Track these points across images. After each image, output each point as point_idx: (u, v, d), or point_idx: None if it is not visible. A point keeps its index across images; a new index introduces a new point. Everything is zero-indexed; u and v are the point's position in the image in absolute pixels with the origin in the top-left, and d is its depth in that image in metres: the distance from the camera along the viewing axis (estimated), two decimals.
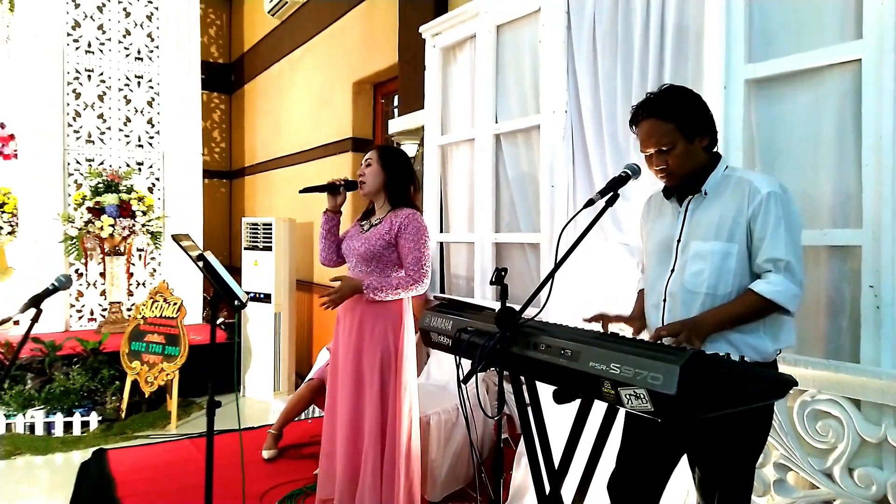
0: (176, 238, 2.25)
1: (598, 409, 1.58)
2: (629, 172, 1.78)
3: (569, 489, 1.65)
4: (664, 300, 1.74)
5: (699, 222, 1.72)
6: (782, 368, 1.75)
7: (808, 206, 1.94)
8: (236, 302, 2.19)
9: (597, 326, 1.87)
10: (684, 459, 1.78)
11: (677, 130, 1.69)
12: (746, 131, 2.14)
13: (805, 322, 1.91)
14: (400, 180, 2.56)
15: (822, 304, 1.97)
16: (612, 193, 1.73)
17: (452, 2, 3.99)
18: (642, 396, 1.23)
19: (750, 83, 2.14)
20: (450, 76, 3.71)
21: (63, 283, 1.89)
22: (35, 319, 1.83)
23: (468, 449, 2.92)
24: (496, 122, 3.31)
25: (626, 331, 1.82)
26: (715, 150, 1.79)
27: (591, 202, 1.73)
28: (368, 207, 2.67)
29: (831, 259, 1.96)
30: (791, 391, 1.82)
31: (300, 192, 2.61)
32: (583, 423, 1.58)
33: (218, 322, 6.54)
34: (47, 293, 1.85)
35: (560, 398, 1.46)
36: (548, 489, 1.62)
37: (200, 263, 2.25)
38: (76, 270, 6.26)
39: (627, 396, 1.27)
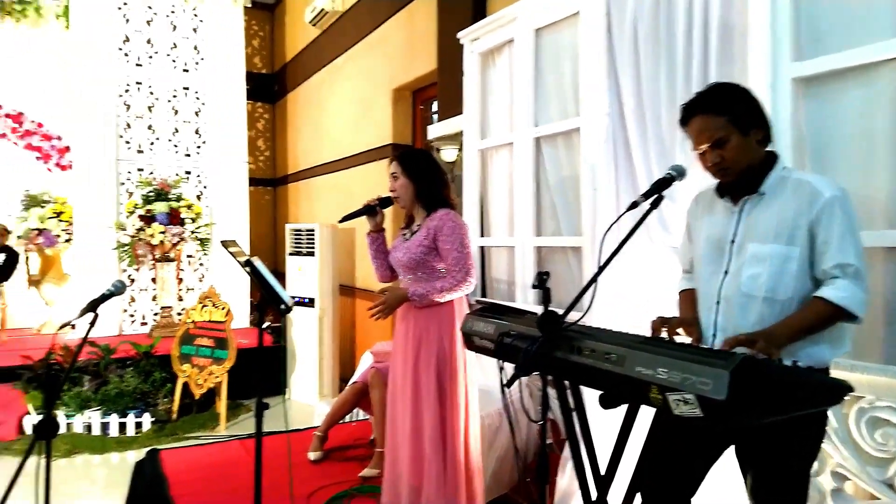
0: (225, 244, 2.32)
1: (646, 413, 1.57)
2: (674, 174, 1.76)
3: (615, 495, 1.64)
4: (717, 303, 1.71)
5: (756, 223, 1.67)
6: (838, 374, 1.69)
7: (863, 207, 1.88)
8: (282, 306, 2.25)
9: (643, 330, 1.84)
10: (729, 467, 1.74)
11: (730, 123, 1.66)
12: (795, 131, 2.09)
13: (861, 326, 1.85)
14: (429, 184, 2.54)
15: (880, 307, 1.91)
16: (656, 195, 1.71)
17: (490, 7, 4.00)
18: (691, 402, 1.22)
19: (797, 81, 2.09)
20: (488, 81, 3.72)
21: (118, 289, 1.97)
22: (92, 323, 1.91)
23: (511, 454, 2.92)
24: (536, 126, 3.31)
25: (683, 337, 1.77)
26: (770, 149, 1.75)
27: (634, 205, 1.72)
28: (409, 214, 2.68)
29: (888, 261, 1.90)
30: (847, 397, 1.78)
31: (339, 222, 2.63)
32: (629, 429, 1.57)
33: (264, 326, 6.70)
34: (104, 298, 1.93)
35: (606, 403, 1.45)
36: (594, 495, 1.61)
37: (248, 269, 2.31)
38: (129, 276, 6.48)
39: (676, 402, 1.25)
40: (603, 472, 1.63)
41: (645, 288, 2.72)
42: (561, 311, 1.60)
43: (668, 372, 1.26)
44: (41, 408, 4.78)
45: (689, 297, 1.88)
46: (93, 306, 1.96)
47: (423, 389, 2.42)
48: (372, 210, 2.61)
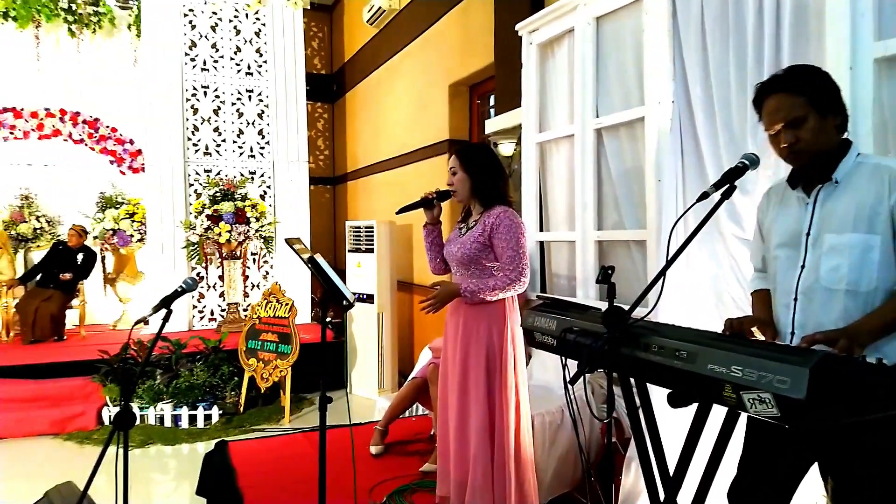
0: (289, 242, 2.36)
1: (717, 412, 1.50)
2: (747, 163, 1.68)
3: (684, 496, 1.58)
4: (795, 299, 1.62)
5: (832, 213, 1.58)
6: None
7: None
8: (344, 302, 2.27)
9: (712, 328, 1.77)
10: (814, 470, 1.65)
11: (809, 104, 1.58)
12: (877, 115, 1.96)
13: None
14: (486, 180, 2.52)
15: None
16: (727, 186, 1.63)
17: None
18: (768, 401, 1.16)
19: (880, 62, 1.96)
20: (547, 73, 3.66)
21: (190, 286, 2.04)
22: (166, 319, 1.98)
23: (574, 452, 2.87)
24: (597, 117, 3.23)
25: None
26: (845, 136, 1.65)
27: (705, 195, 1.64)
28: (466, 208, 2.67)
29: None
30: None
31: (396, 213, 2.63)
32: (701, 428, 1.50)
33: (326, 321, 6.83)
34: (176, 294, 2.00)
35: (676, 402, 1.40)
36: (662, 496, 1.55)
37: (311, 266, 2.35)
38: (197, 274, 6.73)
39: (751, 401, 1.19)
40: (672, 472, 1.57)
41: (715, 285, 2.62)
42: (626, 308, 1.55)
43: (742, 370, 1.20)
44: (116, 400, 5.03)
45: (762, 298, 1.80)
46: (166, 303, 2.03)
47: (471, 385, 2.42)
48: (429, 203, 2.62)
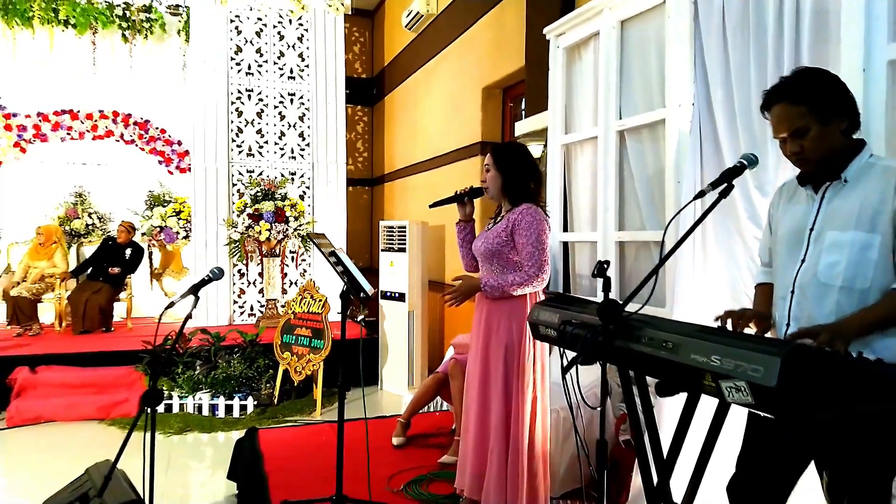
0: (311, 236, 2.48)
1: (710, 404, 1.54)
2: (745, 163, 1.71)
3: (678, 492, 1.62)
4: (792, 292, 1.65)
5: (837, 211, 1.61)
6: None
7: None
8: (362, 294, 2.38)
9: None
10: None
11: (810, 113, 1.61)
12: (890, 117, 1.96)
13: None
14: (517, 178, 2.56)
15: None
16: (725, 185, 1.67)
17: (579, 2, 3.98)
18: (743, 389, 1.20)
19: (894, 64, 1.96)
20: (573, 76, 3.71)
21: (216, 275, 2.17)
22: (194, 305, 2.12)
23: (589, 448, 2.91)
24: (620, 119, 3.27)
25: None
26: (857, 136, 1.67)
27: (701, 194, 1.69)
28: (498, 206, 2.71)
29: None
30: None
31: (430, 206, 2.71)
32: (689, 418, 1.54)
33: (359, 319, 6.97)
34: (203, 283, 2.14)
35: (662, 391, 1.45)
36: (656, 481, 1.60)
37: (332, 259, 2.46)
38: (238, 271, 6.96)
39: (728, 389, 1.24)
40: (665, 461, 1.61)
41: (734, 282, 2.63)
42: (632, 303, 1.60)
43: (721, 359, 1.25)
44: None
45: (765, 291, 1.83)
46: (194, 290, 2.17)
47: (491, 379, 2.47)
48: (460, 199, 2.69)
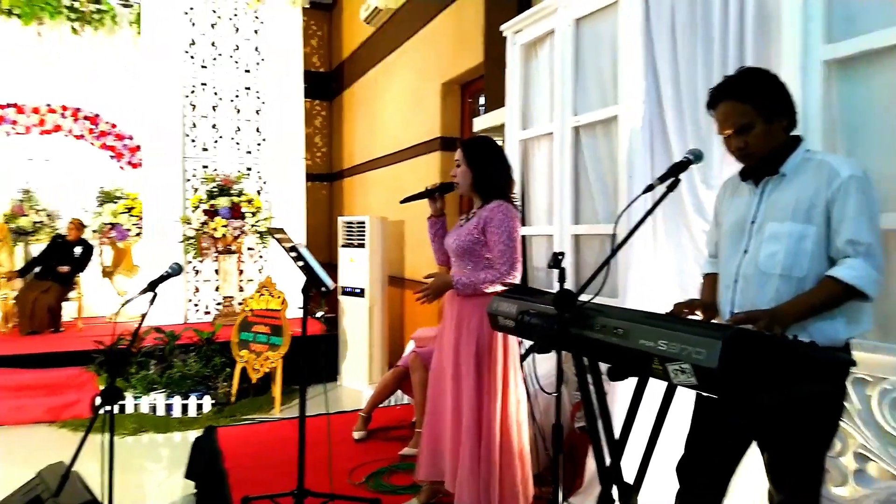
0: (271, 231, 2.48)
1: (660, 388, 1.61)
2: (691, 157, 1.79)
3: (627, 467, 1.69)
4: (735, 281, 1.74)
5: (775, 203, 1.70)
6: (861, 355, 1.68)
7: (892, 189, 1.86)
8: (323, 289, 2.38)
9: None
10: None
11: (755, 111, 1.69)
12: (826, 114, 2.07)
13: (887, 308, 1.83)
14: (487, 173, 2.54)
15: None
16: (672, 179, 1.74)
17: (535, 0, 4.04)
18: (687, 371, 1.27)
19: (829, 64, 2.07)
20: (530, 72, 3.77)
21: (175, 270, 2.15)
22: (152, 301, 2.10)
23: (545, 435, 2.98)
24: (575, 115, 3.34)
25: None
26: (796, 133, 1.77)
27: (650, 188, 1.76)
28: (469, 201, 2.72)
29: None
30: (870, 379, 1.78)
31: (400, 202, 2.68)
32: (639, 401, 1.61)
33: (318, 315, 6.92)
34: (162, 279, 2.11)
35: (614, 376, 1.51)
36: (608, 462, 1.67)
37: (293, 254, 2.46)
38: (193, 268, 6.83)
39: (674, 371, 1.30)
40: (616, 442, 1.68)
41: (681, 273, 2.73)
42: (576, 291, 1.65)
43: (667, 343, 1.31)
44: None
45: (710, 281, 1.91)
46: (152, 286, 2.14)
47: (462, 373, 2.47)
48: (431, 194, 2.68)
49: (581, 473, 2.70)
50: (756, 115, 1.69)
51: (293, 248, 2.48)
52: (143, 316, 2.17)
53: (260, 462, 3.24)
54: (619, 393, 2.46)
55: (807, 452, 1.61)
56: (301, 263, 2.49)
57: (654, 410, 1.70)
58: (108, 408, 2.08)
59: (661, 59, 2.83)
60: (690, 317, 1.77)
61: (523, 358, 1.59)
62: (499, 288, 2.45)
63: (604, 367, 1.64)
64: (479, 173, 2.55)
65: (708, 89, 2.54)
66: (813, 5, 2.10)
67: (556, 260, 1.68)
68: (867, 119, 2.01)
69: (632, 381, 1.63)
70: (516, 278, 2.46)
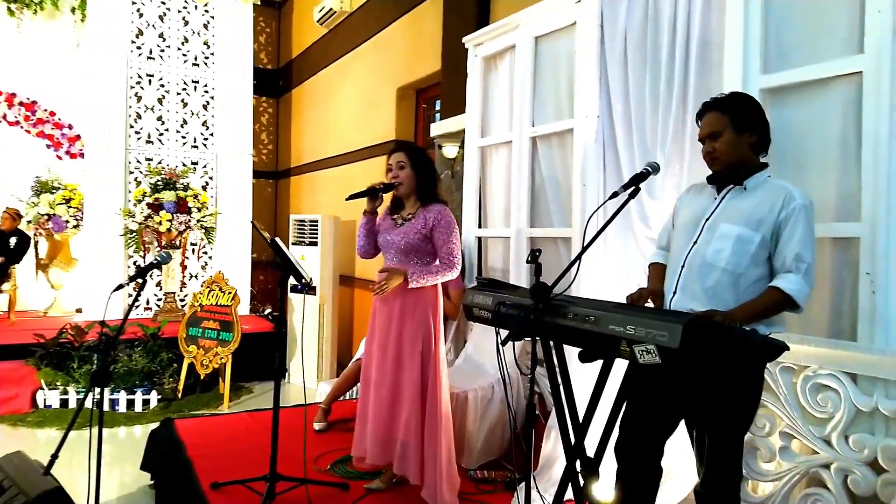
0: (254, 224, 2.58)
1: (618, 371, 1.84)
2: (649, 169, 2.04)
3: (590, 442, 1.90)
4: (682, 267, 1.99)
5: (732, 209, 1.96)
6: (790, 347, 1.96)
7: (816, 203, 2.15)
8: (303, 281, 2.51)
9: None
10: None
11: (729, 122, 1.96)
12: None
13: (810, 306, 2.12)
14: (429, 179, 2.86)
15: (826, 289, 2.19)
16: (633, 187, 1.98)
17: (494, 15, 4.27)
18: (652, 351, 1.49)
19: (765, 92, 2.37)
20: (490, 83, 3.99)
21: (165, 259, 2.22)
22: (140, 288, 2.16)
23: (501, 423, 3.19)
24: (533, 126, 3.58)
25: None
26: (764, 159, 2.03)
27: (615, 195, 1.99)
28: (394, 201, 2.94)
29: (834, 249, 2.18)
30: (795, 367, 2.07)
31: (346, 199, 2.83)
32: (604, 382, 1.84)
33: (266, 313, 6.92)
34: (151, 266, 2.19)
35: (585, 358, 1.72)
36: (573, 441, 1.88)
37: (273, 247, 2.57)
38: (134, 262, 6.69)
39: (640, 352, 1.52)
40: (581, 420, 1.89)
41: (626, 273, 3.00)
42: (550, 284, 1.86)
43: (634, 328, 1.53)
44: (52, 383, 5.01)
45: (658, 271, 2.17)
46: (141, 273, 2.20)
47: (406, 358, 2.73)
48: (375, 193, 2.87)
49: (537, 457, 2.92)
50: (727, 124, 1.96)
51: (273, 242, 2.59)
52: (131, 306, 2.22)
53: (224, 450, 3.30)
54: (577, 377, 2.70)
55: (738, 428, 1.88)
56: (280, 256, 2.60)
57: (613, 392, 1.93)
58: (96, 395, 2.13)
59: (612, 79, 3.10)
60: (645, 305, 2.02)
61: (503, 343, 1.78)
62: (447, 278, 2.78)
63: (570, 353, 1.86)
64: (423, 179, 2.84)
65: (654, 106, 2.86)
66: (752, 40, 2.39)
67: (533, 256, 1.88)
68: (794, 141, 2.31)
69: (591, 370, 1.85)
70: (458, 270, 2.79)
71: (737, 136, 1.95)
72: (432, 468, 2.64)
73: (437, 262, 2.80)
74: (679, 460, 2.50)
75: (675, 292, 1.97)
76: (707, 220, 1.99)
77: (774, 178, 2.01)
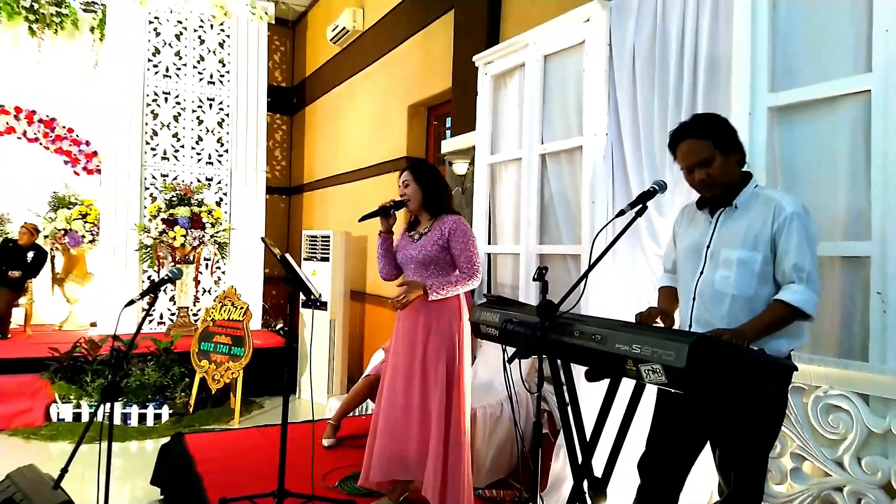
0: (264, 240, 2.61)
1: (626, 390, 1.83)
2: (657, 187, 2.04)
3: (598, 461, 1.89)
4: (693, 299, 1.98)
5: (728, 231, 1.95)
6: (800, 367, 1.94)
7: (824, 221, 2.15)
8: (311, 296, 2.52)
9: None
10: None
11: (713, 146, 1.95)
12: (769, 154, 2.37)
13: (820, 325, 2.11)
14: (435, 191, 2.86)
15: (836, 309, 2.17)
16: (640, 205, 1.98)
17: (503, 34, 4.31)
18: (658, 371, 1.48)
19: (773, 110, 2.37)
20: (499, 101, 4.02)
21: (176, 274, 2.25)
22: (152, 303, 2.19)
23: (510, 441, 3.17)
24: (542, 143, 3.59)
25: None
26: (745, 169, 2.03)
27: (622, 212, 1.99)
28: (411, 219, 2.97)
29: (844, 268, 2.16)
30: (806, 387, 2.05)
31: (359, 220, 2.86)
32: (611, 400, 1.83)
33: (277, 328, 6.95)
34: (163, 281, 2.21)
35: (591, 377, 1.72)
36: (580, 460, 1.87)
37: (283, 263, 2.59)
38: (149, 277, 6.76)
39: (646, 371, 1.52)
40: (588, 439, 1.88)
41: (636, 290, 2.99)
42: (557, 301, 1.86)
43: (641, 347, 1.53)
44: (66, 397, 5.06)
45: (667, 293, 2.16)
46: (152, 289, 2.23)
47: (430, 374, 2.68)
48: (386, 211, 2.89)
49: (546, 477, 2.90)
50: (714, 149, 1.95)
51: (283, 258, 2.62)
52: (142, 321, 2.25)
53: (234, 465, 3.31)
54: (585, 398, 2.69)
55: (753, 449, 1.85)
56: (289, 272, 2.62)
57: (620, 412, 1.92)
58: (107, 409, 2.15)
59: (621, 97, 3.11)
60: (654, 324, 2.01)
61: (510, 361, 1.78)
62: (468, 287, 2.76)
63: (577, 372, 1.85)
64: (429, 192, 2.85)
65: (664, 125, 2.87)
66: (760, 58, 2.40)
67: (540, 274, 1.88)
68: (802, 160, 2.31)
69: (599, 389, 1.84)
70: (479, 279, 2.77)
71: (726, 159, 1.95)
72: (455, 490, 2.60)
73: (457, 272, 2.78)
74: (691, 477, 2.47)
75: (690, 324, 1.96)
76: (708, 247, 1.99)
77: (762, 188, 2.00)
